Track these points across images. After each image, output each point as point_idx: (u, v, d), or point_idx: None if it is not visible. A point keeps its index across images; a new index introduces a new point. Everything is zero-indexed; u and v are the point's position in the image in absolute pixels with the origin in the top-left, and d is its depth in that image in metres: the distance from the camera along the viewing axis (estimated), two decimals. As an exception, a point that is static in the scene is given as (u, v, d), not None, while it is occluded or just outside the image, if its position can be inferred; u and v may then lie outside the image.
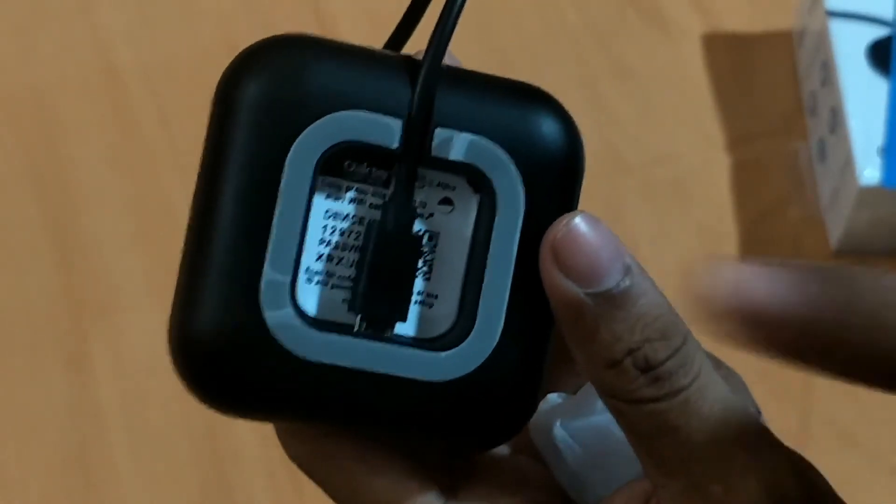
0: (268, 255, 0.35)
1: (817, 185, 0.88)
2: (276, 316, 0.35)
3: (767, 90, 0.92)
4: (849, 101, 0.84)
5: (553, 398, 0.41)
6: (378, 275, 0.36)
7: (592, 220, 0.37)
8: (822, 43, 0.88)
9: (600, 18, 0.95)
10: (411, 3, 0.41)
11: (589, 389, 0.40)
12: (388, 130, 0.36)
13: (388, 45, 0.41)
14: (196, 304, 0.36)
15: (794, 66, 0.93)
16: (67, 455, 0.77)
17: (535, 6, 0.95)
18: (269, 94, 0.36)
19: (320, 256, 0.37)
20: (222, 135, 0.37)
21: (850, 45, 0.86)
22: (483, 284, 0.37)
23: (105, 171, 0.87)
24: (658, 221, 0.87)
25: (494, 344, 0.37)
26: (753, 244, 0.86)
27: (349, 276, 0.37)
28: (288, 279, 0.36)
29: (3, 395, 0.79)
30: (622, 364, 0.36)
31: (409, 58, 0.38)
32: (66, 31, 0.92)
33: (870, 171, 0.82)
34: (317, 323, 0.36)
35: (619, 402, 0.37)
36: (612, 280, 0.36)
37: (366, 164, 0.37)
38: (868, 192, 0.82)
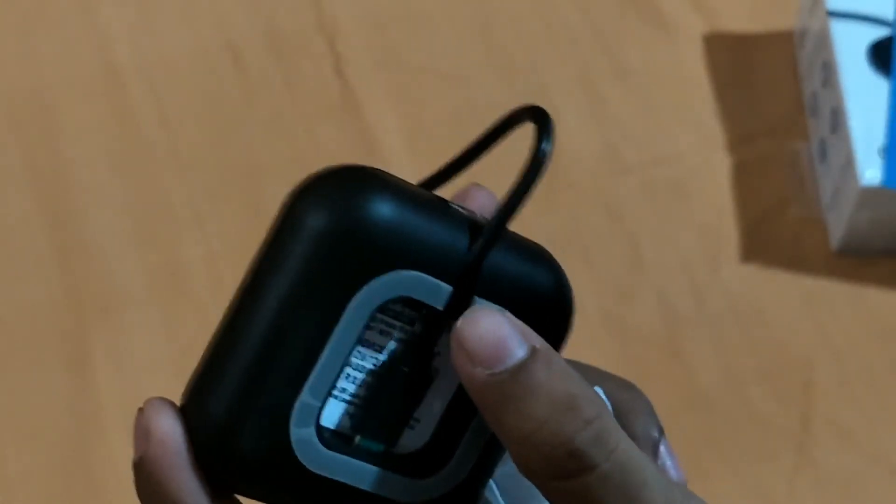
0: (309, 382, 0.38)
1: (818, 185, 0.88)
2: (300, 433, 0.39)
3: (768, 90, 0.92)
4: (850, 101, 0.84)
5: None
6: (386, 405, 0.41)
7: (491, 309, 0.39)
8: (823, 43, 0.88)
9: (600, 18, 0.95)
10: (465, 150, 0.43)
11: None
12: (438, 294, 0.39)
13: (432, 179, 0.43)
14: (228, 402, 0.39)
15: (795, 66, 0.93)
16: (67, 455, 0.77)
17: (535, 6, 0.95)
18: (343, 236, 0.38)
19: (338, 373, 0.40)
20: (287, 254, 0.39)
21: (850, 46, 0.86)
22: (469, 428, 0.41)
23: (105, 171, 0.87)
24: (658, 221, 0.87)
25: (466, 474, 0.41)
26: (753, 244, 0.86)
27: (356, 394, 0.40)
28: (319, 404, 0.39)
29: (3, 395, 0.79)
30: (531, 440, 0.37)
31: (469, 220, 0.41)
32: (66, 32, 0.92)
33: (871, 172, 0.82)
34: (326, 439, 0.40)
35: (539, 481, 0.38)
36: (513, 359, 0.38)
37: (401, 305, 0.40)
38: (869, 193, 0.82)
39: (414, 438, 0.41)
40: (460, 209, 0.41)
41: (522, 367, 0.38)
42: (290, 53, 0.92)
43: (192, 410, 0.39)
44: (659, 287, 0.84)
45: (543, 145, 0.39)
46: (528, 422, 0.37)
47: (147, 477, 0.39)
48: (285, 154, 0.88)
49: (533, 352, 0.38)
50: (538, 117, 0.40)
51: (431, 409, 0.41)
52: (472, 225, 0.40)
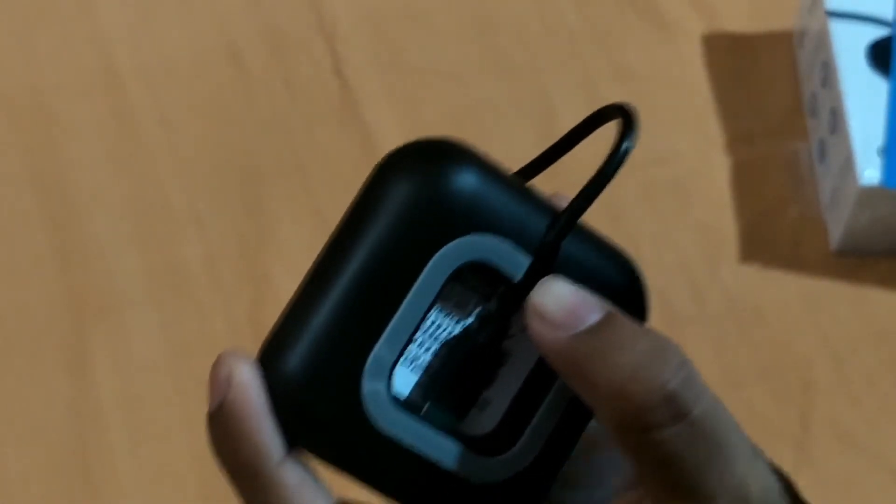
0: (385, 334, 0.39)
1: (817, 185, 0.88)
2: (371, 385, 0.39)
3: (767, 90, 0.92)
4: (849, 101, 0.84)
5: None
6: (457, 376, 0.41)
7: (563, 278, 0.40)
8: (823, 43, 0.88)
9: (600, 18, 0.95)
10: (558, 141, 0.45)
11: None
12: (516, 264, 0.40)
13: (525, 169, 0.44)
14: (303, 358, 0.39)
15: (795, 66, 0.93)
16: (67, 455, 0.77)
17: (535, 6, 0.95)
18: (427, 199, 0.40)
19: (412, 339, 0.41)
20: (370, 216, 0.40)
21: (850, 46, 0.86)
22: (539, 410, 0.41)
23: (105, 171, 0.87)
24: (658, 221, 0.87)
25: (531, 460, 0.41)
26: (753, 244, 0.86)
27: (428, 363, 0.41)
28: (393, 359, 0.40)
29: (3, 395, 0.79)
30: (625, 390, 0.37)
31: (548, 204, 0.42)
32: (66, 32, 0.92)
33: (870, 172, 0.82)
34: (395, 399, 0.40)
35: (632, 435, 0.38)
36: (592, 318, 0.38)
37: (479, 277, 0.40)
38: (868, 193, 0.82)
39: (483, 421, 0.42)
40: (542, 196, 0.42)
41: (604, 323, 0.38)
42: (290, 53, 0.92)
43: (267, 366, 0.40)
44: (659, 287, 0.84)
45: (626, 142, 0.41)
46: (620, 371, 0.37)
47: (226, 423, 0.39)
48: (285, 154, 0.88)
49: (610, 314, 0.39)
50: (625, 115, 0.41)
51: (501, 392, 0.42)
52: (553, 210, 0.41)
